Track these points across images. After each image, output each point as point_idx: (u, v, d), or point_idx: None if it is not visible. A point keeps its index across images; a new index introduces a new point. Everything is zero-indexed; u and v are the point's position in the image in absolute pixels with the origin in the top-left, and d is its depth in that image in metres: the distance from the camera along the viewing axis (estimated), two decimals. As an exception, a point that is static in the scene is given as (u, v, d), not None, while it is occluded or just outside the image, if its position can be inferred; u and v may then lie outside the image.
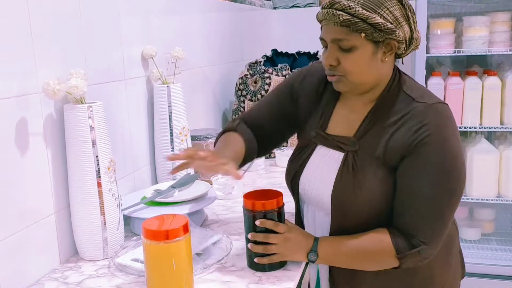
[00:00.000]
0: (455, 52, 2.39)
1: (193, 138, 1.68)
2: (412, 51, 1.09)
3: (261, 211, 1.03)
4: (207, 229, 1.27)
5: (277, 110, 1.23)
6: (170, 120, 1.54)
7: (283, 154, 1.90)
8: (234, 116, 2.18)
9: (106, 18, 1.34)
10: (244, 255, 1.11)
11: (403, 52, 1.06)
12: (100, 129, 1.12)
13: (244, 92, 2.13)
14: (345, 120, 1.12)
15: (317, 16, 1.05)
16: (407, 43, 1.05)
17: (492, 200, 2.45)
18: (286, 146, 2.04)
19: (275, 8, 3.18)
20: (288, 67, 2.11)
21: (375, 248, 1.03)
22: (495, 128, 2.40)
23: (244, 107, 2.14)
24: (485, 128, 2.44)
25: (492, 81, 2.38)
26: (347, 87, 1.07)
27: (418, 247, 1.01)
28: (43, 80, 1.04)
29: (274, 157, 1.98)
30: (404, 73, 1.13)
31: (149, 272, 0.93)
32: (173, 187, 1.41)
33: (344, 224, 1.07)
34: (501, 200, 2.44)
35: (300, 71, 1.24)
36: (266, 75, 2.07)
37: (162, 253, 0.91)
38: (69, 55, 1.17)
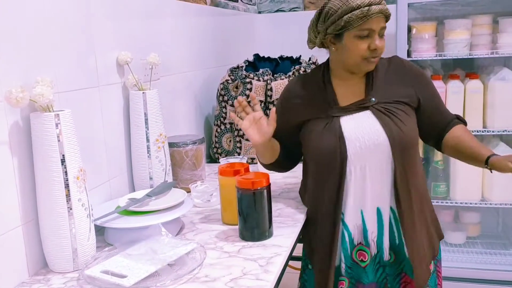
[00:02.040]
0: (436, 55, 2.39)
1: (171, 145, 1.66)
2: None
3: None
4: (182, 238, 1.24)
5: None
6: (146, 127, 1.51)
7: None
8: (216, 122, 2.15)
9: (78, 22, 1.31)
10: (217, 265, 1.11)
11: None
12: (69, 137, 1.09)
13: (225, 98, 2.11)
14: (348, 93, 1.40)
15: (368, 11, 1.27)
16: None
17: (476, 204, 2.44)
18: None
19: (259, 12, 3.17)
20: (269, 72, 2.09)
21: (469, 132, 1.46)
22: (477, 132, 2.39)
23: (225, 113, 2.12)
24: (468, 132, 2.43)
25: (474, 84, 2.38)
26: (375, 64, 1.39)
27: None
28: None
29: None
30: None
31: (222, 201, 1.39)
32: (148, 195, 1.38)
33: (404, 163, 1.34)
34: (485, 204, 2.43)
35: (280, 98, 1.53)
36: (247, 80, 2.05)
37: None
38: (36, 62, 1.14)
